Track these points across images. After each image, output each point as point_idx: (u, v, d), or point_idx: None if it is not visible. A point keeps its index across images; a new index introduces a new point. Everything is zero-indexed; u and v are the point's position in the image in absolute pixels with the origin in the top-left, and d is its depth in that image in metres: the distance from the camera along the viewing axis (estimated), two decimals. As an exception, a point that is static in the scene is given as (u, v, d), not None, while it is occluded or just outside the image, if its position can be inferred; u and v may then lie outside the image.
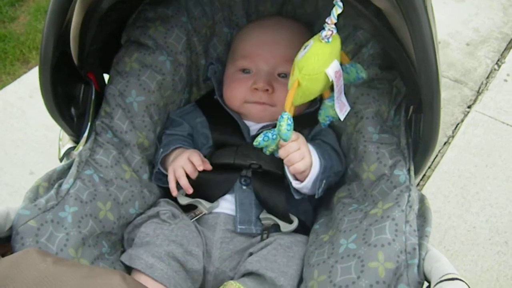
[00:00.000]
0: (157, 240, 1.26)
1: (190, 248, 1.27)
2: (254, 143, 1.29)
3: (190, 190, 1.41)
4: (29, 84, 2.78)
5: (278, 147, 1.31)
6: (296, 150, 1.29)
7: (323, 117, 1.33)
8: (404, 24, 1.04)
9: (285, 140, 1.21)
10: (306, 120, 1.44)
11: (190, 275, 1.27)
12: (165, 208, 1.37)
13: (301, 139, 1.32)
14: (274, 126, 1.35)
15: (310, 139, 1.48)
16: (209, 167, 1.42)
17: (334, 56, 1.16)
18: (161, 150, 1.50)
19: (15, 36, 3.06)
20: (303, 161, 1.31)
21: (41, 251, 0.83)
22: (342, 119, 1.30)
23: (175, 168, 1.41)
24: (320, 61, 1.14)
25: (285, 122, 1.18)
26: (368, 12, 1.09)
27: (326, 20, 1.07)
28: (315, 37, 1.16)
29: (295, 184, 1.37)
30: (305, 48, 1.17)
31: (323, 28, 1.10)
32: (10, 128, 2.55)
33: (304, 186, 1.36)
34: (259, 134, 1.46)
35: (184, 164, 1.40)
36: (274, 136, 1.27)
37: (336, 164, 1.42)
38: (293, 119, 1.22)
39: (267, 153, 1.33)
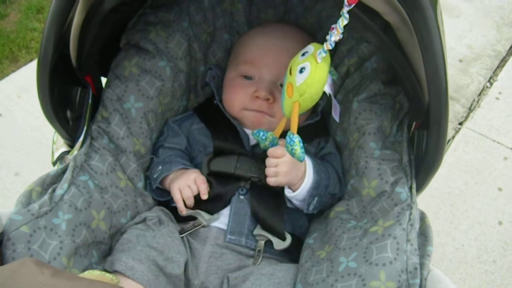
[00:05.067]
0: (138, 246, 1.24)
1: (170, 255, 1.25)
2: (253, 134, 1.37)
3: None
4: (17, 83, 2.74)
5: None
6: (272, 166, 1.35)
7: (289, 150, 1.26)
8: (412, 39, 1.04)
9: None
10: (309, 132, 1.42)
11: (171, 280, 1.25)
12: (153, 214, 1.36)
13: (286, 157, 1.34)
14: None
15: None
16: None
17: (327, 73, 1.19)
18: (160, 167, 1.47)
19: (5, 34, 3.03)
20: (275, 179, 1.35)
21: (38, 261, 0.79)
22: (338, 120, 1.37)
23: (181, 188, 1.40)
24: (321, 85, 1.17)
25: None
26: (375, 26, 1.08)
27: (332, 27, 1.06)
28: (311, 57, 1.17)
29: (287, 192, 1.39)
30: (302, 69, 1.17)
31: (327, 34, 1.09)
32: (-4, 127, 2.52)
33: (294, 196, 1.38)
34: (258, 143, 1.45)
35: (191, 184, 1.40)
36: (264, 137, 1.36)
37: (333, 185, 1.42)
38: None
39: (262, 147, 1.39)
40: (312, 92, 1.16)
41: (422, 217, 1.23)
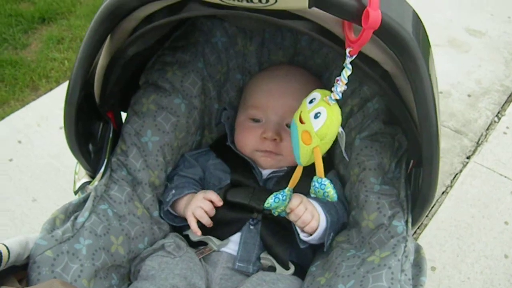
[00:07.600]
0: (162, 274, 1.30)
1: (193, 281, 1.31)
2: (265, 205, 1.36)
3: (210, 225, 1.46)
4: (37, 111, 2.79)
5: (285, 209, 1.38)
6: (305, 212, 1.37)
7: (320, 194, 1.27)
8: (407, 85, 1.10)
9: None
10: (312, 170, 1.50)
11: None
12: (170, 240, 1.42)
13: (304, 199, 1.39)
14: (284, 172, 1.50)
15: None
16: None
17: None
18: (173, 191, 1.53)
19: (26, 63, 3.10)
20: (314, 219, 1.38)
21: (65, 282, 0.87)
22: (348, 159, 1.44)
23: (194, 210, 1.44)
24: (339, 125, 1.19)
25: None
26: (375, 75, 1.14)
27: (337, 79, 1.13)
28: (322, 102, 1.18)
29: (303, 236, 1.42)
30: (316, 114, 1.18)
31: (333, 86, 1.15)
32: (16, 154, 2.56)
33: (312, 239, 1.42)
34: (270, 178, 1.53)
35: (202, 204, 1.44)
36: (284, 197, 1.35)
37: (342, 216, 1.48)
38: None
39: (276, 213, 1.40)
40: (332, 134, 1.18)
41: (418, 249, 1.28)
